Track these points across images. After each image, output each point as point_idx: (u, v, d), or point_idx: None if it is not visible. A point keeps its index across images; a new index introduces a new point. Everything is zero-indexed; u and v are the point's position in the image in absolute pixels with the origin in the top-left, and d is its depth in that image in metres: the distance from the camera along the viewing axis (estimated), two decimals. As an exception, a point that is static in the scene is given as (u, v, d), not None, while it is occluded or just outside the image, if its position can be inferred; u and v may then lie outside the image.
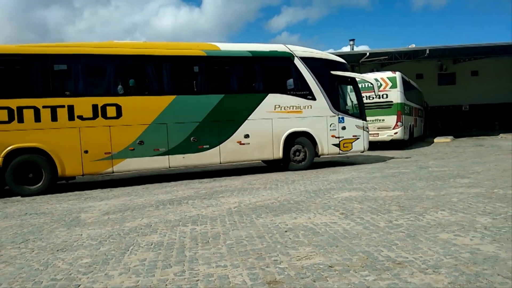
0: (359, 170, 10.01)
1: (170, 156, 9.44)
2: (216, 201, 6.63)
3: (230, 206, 6.12)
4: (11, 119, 8.27)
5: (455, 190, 6.54)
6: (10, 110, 8.25)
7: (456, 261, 3.31)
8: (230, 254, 3.79)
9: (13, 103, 8.28)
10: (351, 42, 31.80)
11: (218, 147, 9.83)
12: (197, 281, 3.18)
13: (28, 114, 8.36)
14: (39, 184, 8.57)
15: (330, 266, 3.34)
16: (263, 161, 11.53)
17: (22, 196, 8.42)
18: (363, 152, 11.51)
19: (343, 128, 10.93)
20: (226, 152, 9.92)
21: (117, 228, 5.07)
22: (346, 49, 34.64)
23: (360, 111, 11.41)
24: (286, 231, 4.50)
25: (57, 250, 4.21)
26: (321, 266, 3.34)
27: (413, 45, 26.15)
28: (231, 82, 10.19)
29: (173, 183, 9.37)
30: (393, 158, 12.96)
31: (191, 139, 9.60)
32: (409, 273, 3.11)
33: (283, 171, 10.56)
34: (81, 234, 4.85)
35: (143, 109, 9.25)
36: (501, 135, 22.06)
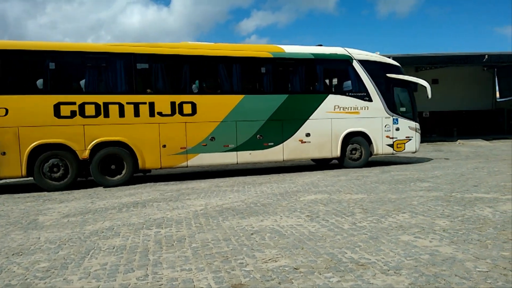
0: (324, 173, 10.17)
1: (238, 152, 9.93)
2: (182, 204, 6.54)
3: (196, 209, 6.06)
4: (97, 113, 8.79)
5: (415, 194, 6.75)
6: (97, 106, 8.79)
7: (416, 263, 3.41)
8: (195, 257, 3.75)
9: (100, 99, 8.83)
10: (319, 48, 32.26)
11: (282, 144, 10.31)
12: (160, 285, 3.11)
13: (113, 110, 8.90)
14: (121, 176, 9.11)
15: (295, 268, 3.36)
16: (312, 159, 11.86)
17: (105, 187, 8.86)
18: (414, 152, 11.91)
19: (397, 129, 11.36)
20: (289, 149, 10.38)
21: (77, 231, 4.90)
22: (314, 54, 35.01)
23: (413, 113, 11.84)
24: (252, 234, 4.50)
25: (13, 254, 4.02)
26: (286, 268, 3.36)
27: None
28: (295, 83, 10.66)
29: (137, 185, 9.17)
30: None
31: (257, 136, 10.07)
32: (371, 274, 3.18)
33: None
34: (39, 237, 4.66)
35: (215, 107, 9.77)
36: (459, 141, 22.98)
